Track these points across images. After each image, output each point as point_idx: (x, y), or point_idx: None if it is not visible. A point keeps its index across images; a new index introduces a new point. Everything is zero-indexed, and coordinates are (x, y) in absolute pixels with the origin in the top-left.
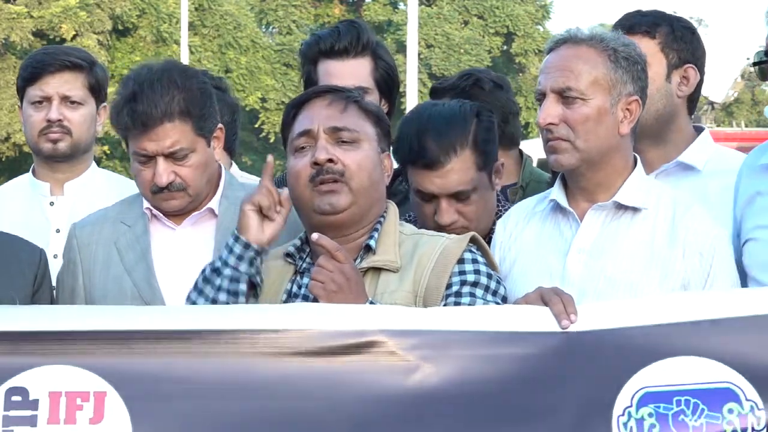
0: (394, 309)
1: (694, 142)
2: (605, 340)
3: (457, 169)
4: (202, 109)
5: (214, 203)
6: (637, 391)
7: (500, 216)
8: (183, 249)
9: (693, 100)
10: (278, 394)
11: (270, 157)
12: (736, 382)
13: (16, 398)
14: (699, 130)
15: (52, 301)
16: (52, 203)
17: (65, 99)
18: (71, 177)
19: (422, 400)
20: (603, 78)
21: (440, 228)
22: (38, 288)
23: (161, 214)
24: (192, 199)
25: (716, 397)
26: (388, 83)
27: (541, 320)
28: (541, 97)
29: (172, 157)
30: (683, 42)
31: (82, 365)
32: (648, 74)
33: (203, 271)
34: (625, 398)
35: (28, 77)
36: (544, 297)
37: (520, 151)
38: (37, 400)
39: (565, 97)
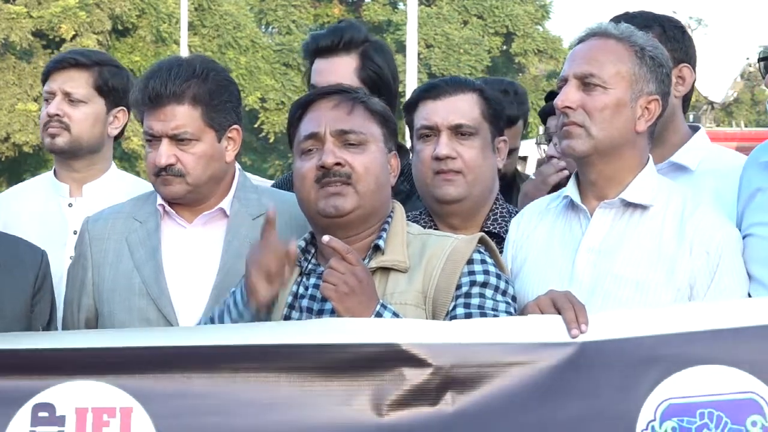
0: (413, 322)
1: (687, 142)
2: (626, 350)
3: (464, 101)
4: (216, 101)
5: (225, 203)
6: (661, 404)
7: (497, 217)
8: (193, 248)
9: (687, 99)
10: (302, 409)
11: (271, 207)
12: (760, 392)
13: (43, 414)
14: (695, 130)
15: (53, 303)
16: (70, 204)
17: (67, 95)
18: (90, 179)
19: (444, 413)
20: (626, 72)
21: (436, 173)
22: (39, 289)
23: (173, 211)
24: (191, 188)
25: (739, 409)
26: (378, 84)
27: (560, 331)
28: (562, 83)
29: (176, 140)
30: (676, 42)
31: (108, 381)
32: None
33: (211, 320)
34: (648, 411)
35: (43, 76)
36: (556, 303)
37: None
38: (64, 416)
39: (586, 84)
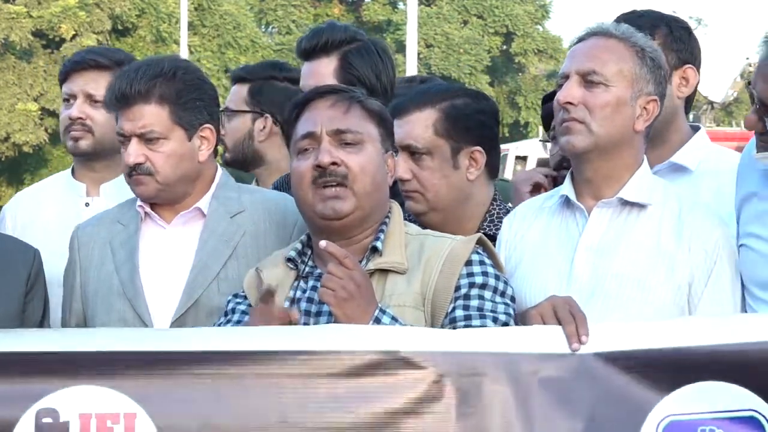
0: (415, 329)
1: (687, 143)
2: (628, 364)
3: (415, 123)
4: (184, 100)
5: (203, 203)
6: (662, 420)
7: (493, 219)
8: (170, 248)
9: (690, 100)
10: (306, 413)
11: (270, 287)
12: (761, 410)
13: (47, 420)
14: (696, 130)
15: (46, 301)
16: (87, 204)
17: (89, 97)
18: (107, 178)
19: (443, 422)
20: (628, 71)
21: (401, 190)
22: (31, 287)
23: (153, 213)
24: (162, 187)
25: (741, 427)
26: (357, 86)
27: (561, 342)
28: (563, 80)
29: (144, 139)
30: (682, 42)
31: (112, 386)
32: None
33: None
34: (650, 428)
35: (62, 77)
36: (557, 312)
37: None
38: (68, 422)
39: (588, 81)
